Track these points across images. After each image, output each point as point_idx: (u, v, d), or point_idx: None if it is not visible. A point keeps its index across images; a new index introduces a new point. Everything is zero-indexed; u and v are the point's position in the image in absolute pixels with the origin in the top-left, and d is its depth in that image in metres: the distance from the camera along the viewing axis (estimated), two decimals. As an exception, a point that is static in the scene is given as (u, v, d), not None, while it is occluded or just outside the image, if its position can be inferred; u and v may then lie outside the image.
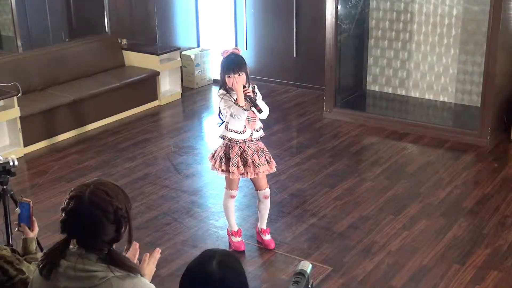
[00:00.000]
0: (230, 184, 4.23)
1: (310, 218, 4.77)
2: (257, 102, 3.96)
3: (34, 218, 2.87)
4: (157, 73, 7.39)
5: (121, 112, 7.02)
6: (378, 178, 5.41)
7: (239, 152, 4.07)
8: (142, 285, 2.15)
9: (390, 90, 7.34)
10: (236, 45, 8.08)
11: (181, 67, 7.85)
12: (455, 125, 6.49)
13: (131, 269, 2.15)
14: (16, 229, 2.89)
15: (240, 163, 4.07)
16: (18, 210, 2.89)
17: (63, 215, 2.16)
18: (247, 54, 7.84)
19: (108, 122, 6.86)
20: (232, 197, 4.28)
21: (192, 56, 8.02)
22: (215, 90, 7.94)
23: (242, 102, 3.91)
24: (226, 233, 4.45)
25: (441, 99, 7.03)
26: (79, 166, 5.80)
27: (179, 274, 1.97)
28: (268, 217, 4.42)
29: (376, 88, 7.43)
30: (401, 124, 6.49)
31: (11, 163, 3.35)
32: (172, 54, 7.67)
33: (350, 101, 7.17)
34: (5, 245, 3.00)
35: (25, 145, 6.08)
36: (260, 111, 3.94)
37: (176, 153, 6.05)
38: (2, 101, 5.91)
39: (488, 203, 4.94)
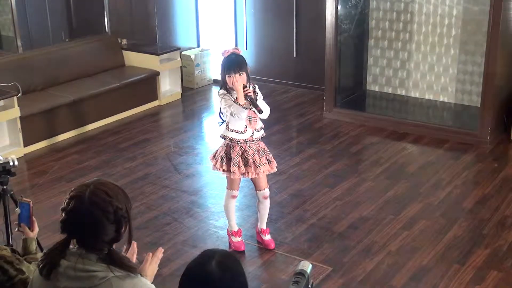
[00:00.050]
0: (231, 184, 4.23)
1: (310, 218, 4.77)
2: (258, 102, 3.96)
3: (34, 218, 2.87)
4: (157, 73, 7.39)
5: (121, 112, 7.02)
6: (378, 178, 5.41)
7: (240, 152, 4.07)
8: (142, 285, 2.15)
9: (390, 90, 7.34)
10: (236, 45, 8.08)
11: (181, 67, 7.85)
12: (455, 125, 6.49)
13: (131, 269, 2.15)
14: (16, 229, 2.89)
15: (241, 163, 4.07)
16: (18, 210, 2.89)
17: (63, 215, 2.16)
18: (247, 54, 7.84)
19: (108, 122, 6.86)
20: (233, 197, 4.29)
21: (192, 56, 8.03)
22: (215, 90, 7.94)
23: (242, 100, 3.91)
24: (226, 233, 4.46)
25: (441, 99, 7.03)
26: (79, 166, 5.80)
27: (179, 274, 1.96)
28: (268, 217, 4.42)
29: (376, 88, 7.43)
30: (401, 124, 6.49)
31: (11, 163, 3.35)
32: (172, 54, 7.67)
33: (350, 101, 7.17)
34: (5, 245, 3.00)
35: (25, 145, 6.08)
36: (260, 111, 3.94)
37: (176, 153, 6.05)
38: (2, 101, 5.91)
39: (488, 203, 4.94)
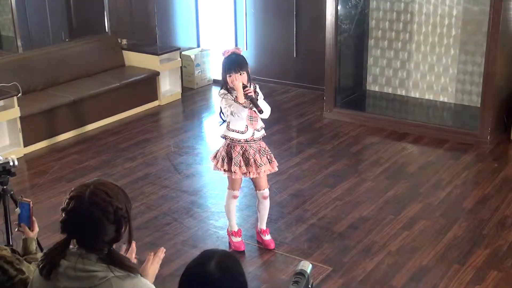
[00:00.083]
0: (232, 185, 4.23)
1: (310, 218, 4.77)
2: (258, 102, 3.96)
3: (34, 218, 2.87)
4: (157, 73, 7.39)
5: (121, 112, 7.02)
6: (378, 178, 5.41)
7: (241, 151, 4.07)
8: (142, 285, 2.15)
9: (390, 90, 7.34)
10: (236, 45, 8.08)
11: (181, 67, 7.86)
12: (455, 125, 6.49)
13: (131, 269, 2.15)
14: (16, 229, 2.89)
15: (242, 163, 4.07)
16: (18, 210, 2.89)
17: (63, 215, 2.16)
18: (247, 54, 7.84)
19: (108, 122, 6.86)
20: (235, 197, 4.29)
21: (192, 56, 8.03)
22: (215, 90, 7.94)
23: (241, 99, 3.91)
24: (226, 233, 4.46)
25: (441, 99, 7.03)
26: (79, 166, 5.80)
27: (179, 274, 1.96)
28: (268, 217, 4.42)
29: (376, 88, 7.43)
30: (401, 124, 6.49)
31: (11, 163, 3.35)
32: (172, 54, 7.67)
33: (350, 101, 7.17)
34: (5, 245, 3.00)
35: (25, 145, 6.08)
36: (261, 111, 3.94)
37: (176, 153, 6.06)
38: (2, 101, 5.91)
39: (488, 203, 4.94)
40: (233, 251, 4.27)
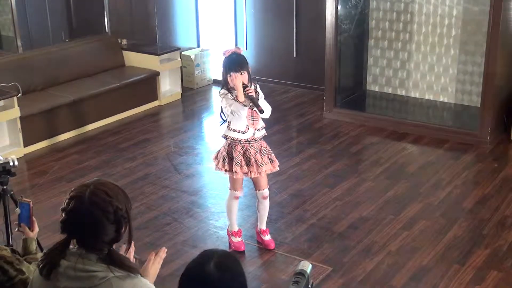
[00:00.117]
0: (234, 185, 4.23)
1: (310, 218, 4.77)
2: (259, 101, 3.96)
3: (34, 218, 2.86)
4: (157, 73, 7.39)
5: (121, 112, 7.02)
6: (378, 178, 5.41)
7: (242, 151, 4.07)
8: (142, 285, 2.15)
9: (390, 90, 7.34)
10: (236, 45, 8.08)
11: (181, 67, 7.86)
12: (455, 125, 6.49)
13: (131, 269, 2.15)
14: (16, 229, 2.89)
15: (243, 163, 4.07)
16: (18, 210, 2.89)
17: (63, 215, 2.16)
18: (247, 54, 7.84)
19: (108, 122, 6.86)
20: (236, 198, 4.28)
21: (192, 56, 8.03)
22: (215, 90, 7.94)
23: (241, 97, 3.91)
24: (226, 233, 4.46)
25: (441, 99, 7.03)
26: (79, 166, 5.80)
27: (179, 274, 1.96)
28: (268, 217, 4.42)
29: (376, 88, 7.43)
30: (401, 124, 6.49)
31: (11, 163, 3.35)
32: (172, 54, 7.67)
33: (350, 101, 7.17)
34: (5, 245, 3.00)
35: (25, 145, 6.08)
36: (262, 111, 3.94)
37: (176, 153, 6.05)
38: (2, 101, 5.91)
39: (488, 203, 4.94)
40: (233, 251, 4.27)
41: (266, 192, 4.26)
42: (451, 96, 6.95)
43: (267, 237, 4.39)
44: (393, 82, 7.29)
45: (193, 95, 7.89)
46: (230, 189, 4.27)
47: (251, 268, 4.14)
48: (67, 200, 2.16)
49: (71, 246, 2.17)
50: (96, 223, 2.11)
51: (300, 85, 7.86)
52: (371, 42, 7.30)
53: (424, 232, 4.54)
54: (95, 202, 2.12)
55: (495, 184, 5.25)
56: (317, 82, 7.42)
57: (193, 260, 1.95)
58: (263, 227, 4.39)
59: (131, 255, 2.37)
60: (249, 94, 3.92)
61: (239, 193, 4.27)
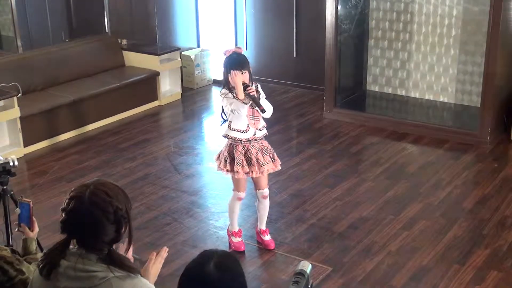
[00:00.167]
0: (237, 186, 4.22)
1: (310, 218, 4.77)
2: (260, 101, 3.96)
3: (34, 218, 2.86)
4: (157, 73, 7.39)
5: (121, 112, 7.02)
6: (378, 178, 5.41)
7: (243, 151, 4.07)
8: (142, 285, 2.15)
9: (390, 91, 7.34)
10: (236, 45, 8.08)
11: (181, 67, 7.86)
12: (455, 125, 6.49)
13: (131, 269, 2.15)
14: (16, 229, 2.89)
15: (245, 162, 4.07)
16: (18, 210, 2.89)
17: (63, 215, 2.16)
18: (247, 54, 7.79)
19: (108, 122, 6.86)
20: (240, 199, 4.28)
21: (192, 57, 8.03)
22: (215, 90, 7.95)
23: (241, 95, 3.91)
24: (226, 233, 4.46)
25: (441, 99, 7.03)
26: (79, 166, 5.80)
27: (179, 274, 1.96)
28: (268, 217, 4.42)
29: (376, 88, 7.43)
30: (401, 124, 6.49)
31: (11, 163, 3.35)
32: (172, 54, 7.67)
33: (350, 101, 7.17)
34: (5, 246, 3.00)
35: (25, 145, 6.08)
36: (263, 110, 3.94)
37: (176, 153, 6.05)
38: (2, 101, 5.91)
39: (488, 203, 4.94)
40: (233, 251, 4.27)
41: (266, 191, 4.26)
42: (451, 96, 6.95)
43: (267, 237, 4.39)
44: (393, 82, 7.29)
45: (193, 95, 7.90)
46: (233, 190, 4.27)
47: (251, 268, 4.14)
48: (67, 200, 2.16)
49: (71, 246, 2.17)
50: (96, 223, 2.11)
51: (300, 85, 7.86)
52: (371, 42, 7.30)
53: (424, 232, 4.54)
54: (95, 202, 2.12)
55: (495, 184, 5.25)
56: (317, 82, 7.42)
57: (193, 260, 1.95)
58: (263, 227, 4.39)
59: (130, 254, 2.37)
60: (251, 93, 3.91)
61: (242, 195, 4.26)
